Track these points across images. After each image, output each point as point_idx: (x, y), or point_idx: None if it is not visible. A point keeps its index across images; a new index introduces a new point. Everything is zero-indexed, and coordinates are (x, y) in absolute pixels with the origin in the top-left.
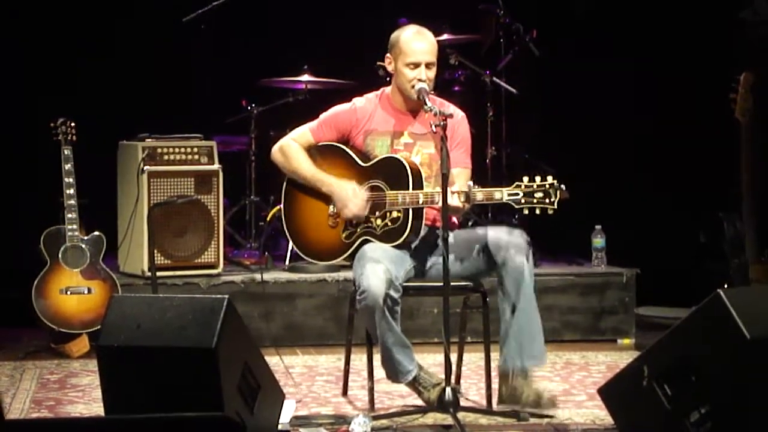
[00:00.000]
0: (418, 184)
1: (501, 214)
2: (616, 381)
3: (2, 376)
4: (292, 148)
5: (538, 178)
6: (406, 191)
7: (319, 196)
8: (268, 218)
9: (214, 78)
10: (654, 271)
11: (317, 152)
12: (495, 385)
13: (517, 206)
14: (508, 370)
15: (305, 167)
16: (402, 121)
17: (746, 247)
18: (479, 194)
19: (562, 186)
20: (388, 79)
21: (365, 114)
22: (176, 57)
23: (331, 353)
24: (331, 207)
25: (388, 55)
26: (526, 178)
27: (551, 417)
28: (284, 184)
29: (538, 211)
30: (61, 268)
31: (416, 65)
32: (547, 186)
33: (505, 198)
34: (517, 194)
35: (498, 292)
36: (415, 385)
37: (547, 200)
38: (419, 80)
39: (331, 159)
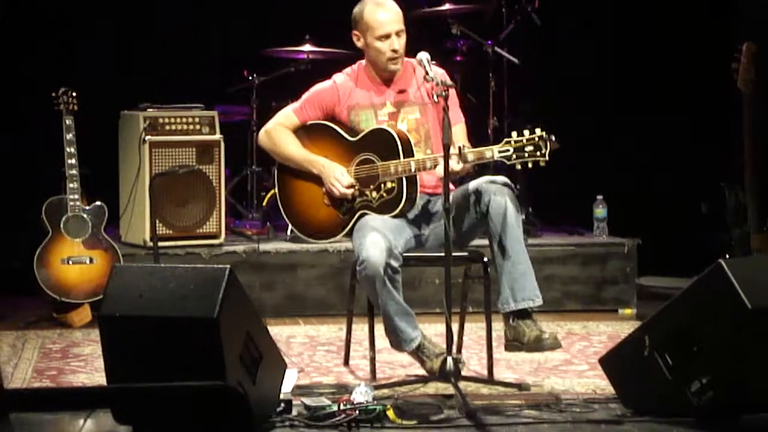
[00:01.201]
0: (409, 152)
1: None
2: (618, 351)
3: (4, 346)
4: (279, 132)
5: (526, 132)
6: (398, 161)
7: (312, 176)
8: (264, 203)
9: (216, 48)
10: (655, 242)
11: (304, 133)
12: (496, 355)
13: (509, 162)
14: (507, 314)
15: (294, 150)
16: (382, 92)
17: (748, 217)
18: (470, 155)
19: (552, 137)
20: None
21: (346, 89)
22: (178, 27)
23: (333, 323)
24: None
25: (354, 31)
26: (515, 134)
27: (557, 398)
28: (276, 168)
29: (530, 165)
30: (63, 237)
31: (387, 36)
32: (537, 138)
33: (497, 155)
34: (508, 150)
35: (488, 238)
36: (418, 353)
37: (538, 153)
38: (394, 51)
39: (319, 138)
